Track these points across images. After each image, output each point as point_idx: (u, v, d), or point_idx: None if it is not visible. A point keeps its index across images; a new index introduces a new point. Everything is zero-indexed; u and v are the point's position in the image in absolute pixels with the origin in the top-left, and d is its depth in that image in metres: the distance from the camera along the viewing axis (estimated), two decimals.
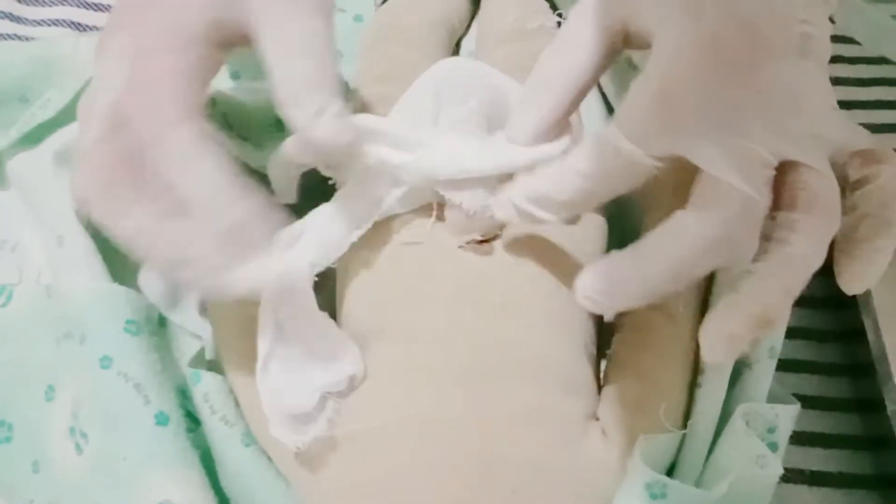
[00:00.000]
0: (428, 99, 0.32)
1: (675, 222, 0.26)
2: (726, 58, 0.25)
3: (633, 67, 0.40)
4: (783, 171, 0.26)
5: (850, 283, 0.29)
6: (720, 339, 0.26)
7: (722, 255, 0.26)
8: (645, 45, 0.28)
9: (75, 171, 0.27)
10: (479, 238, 0.31)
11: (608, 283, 0.26)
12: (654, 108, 0.26)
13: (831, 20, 0.49)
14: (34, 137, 0.38)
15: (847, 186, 0.28)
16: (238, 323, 0.32)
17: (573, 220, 0.30)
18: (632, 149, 0.26)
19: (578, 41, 0.28)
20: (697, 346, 0.31)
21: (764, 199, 0.25)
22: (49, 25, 0.47)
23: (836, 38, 0.48)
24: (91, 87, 0.29)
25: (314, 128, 0.26)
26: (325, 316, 0.30)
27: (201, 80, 0.28)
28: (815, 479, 0.36)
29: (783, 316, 0.28)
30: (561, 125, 0.29)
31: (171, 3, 0.28)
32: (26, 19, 0.47)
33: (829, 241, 0.27)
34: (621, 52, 0.29)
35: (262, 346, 0.29)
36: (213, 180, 0.27)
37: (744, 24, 0.26)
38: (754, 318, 0.26)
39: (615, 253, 0.27)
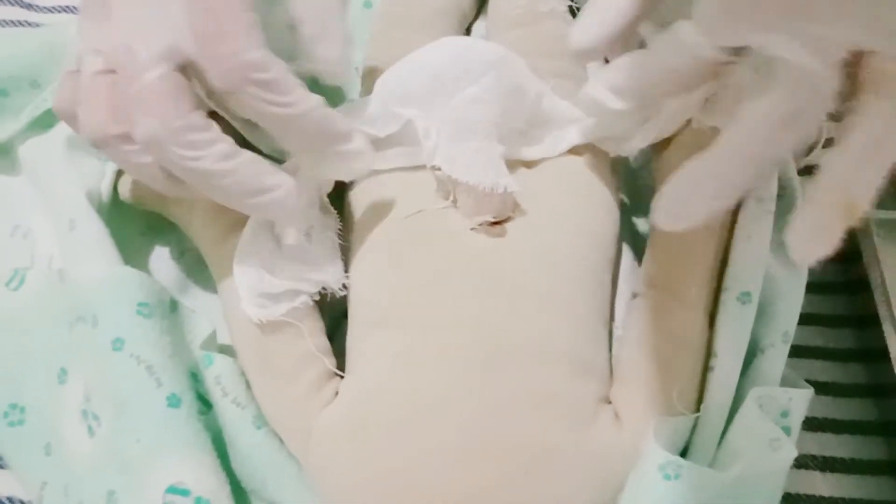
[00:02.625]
0: (427, 78, 0.32)
1: (744, 110, 0.25)
2: None
3: None
4: (856, 60, 0.25)
5: None
6: (809, 232, 0.25)
7: (793, 132, 0.25)
8: None
9: (139, 113, 0.27)
10: (492, 220, 0.31)
11: (685, 189, 0.26)
12: (724, 2, 0.26)
13: None
14: (45, 123, 0.38)
15: None
16: (222, 225, 0.33)
17: (648, 109, 0.31)
18: (696, 41, 0.26)
19: None
20: (710, 330, 0.31)
21: (832, 78, 0.25)
22: (59, 12, 0.47)
23: None
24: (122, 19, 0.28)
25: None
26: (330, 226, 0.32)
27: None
28: (827, 464, 0.35)
29: (867, 202, 0.26)
30: (625, 39, 0.29)
31: None
32: (37, 6, 0.47)
33: None
34: None
35: (248, 232, 0.31)
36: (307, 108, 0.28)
37: None
38: (839, 206, 0.25)
39: (684, 166, 0.26)
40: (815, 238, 0.25)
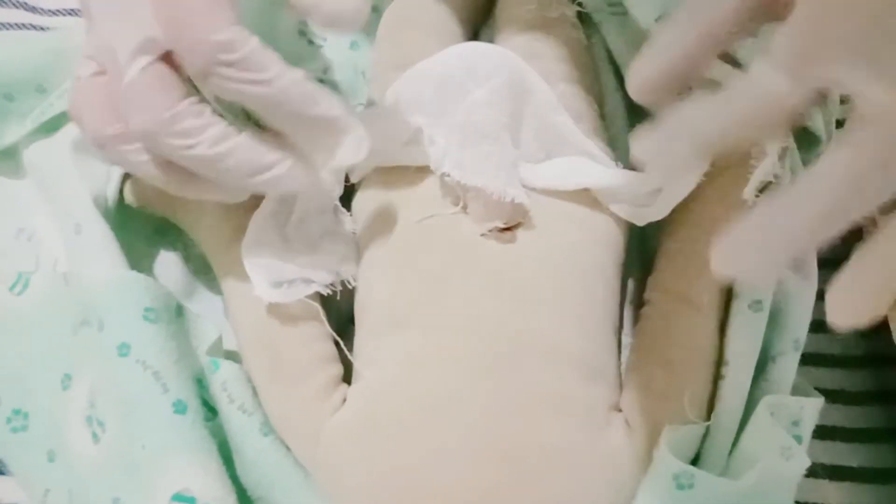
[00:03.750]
0: (438, 84, 0.32)
1: (823, 158, 0.23)
2: None
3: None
4: None
5: None
6: (850, 308, 0.23)
7: (879, 186, 0.23)
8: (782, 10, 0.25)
9: (129, 110, 0.27)
10: (502, 225, 0.31)
11: (749, 254, 0.23)
12: (804, 35, 0.23)
13: None
14: (51, 127, 0.38)
15: None
16: (228, 229, 0.33)
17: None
18: (779, 81, 0.23)
19: None
20: (721, 337, 0.31)
21: None
22: (64, 14, 0.47)
23: None
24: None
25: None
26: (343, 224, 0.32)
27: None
28: (837, 473, 0.35)
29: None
30: (680, 83, 0.26)
31: None
32: (41, 9, 0.47)
33: None
34: (760, 16, 0.26)
35: (253, 227, 0.31)
36: (287, 83, 0.27)
37: None
38: (885, 286, 0.23)
39: (758, 206, 0.24)
40: (855, 315, 0.23)
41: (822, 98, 0.24)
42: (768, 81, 0.24)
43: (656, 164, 0.26)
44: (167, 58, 0.27)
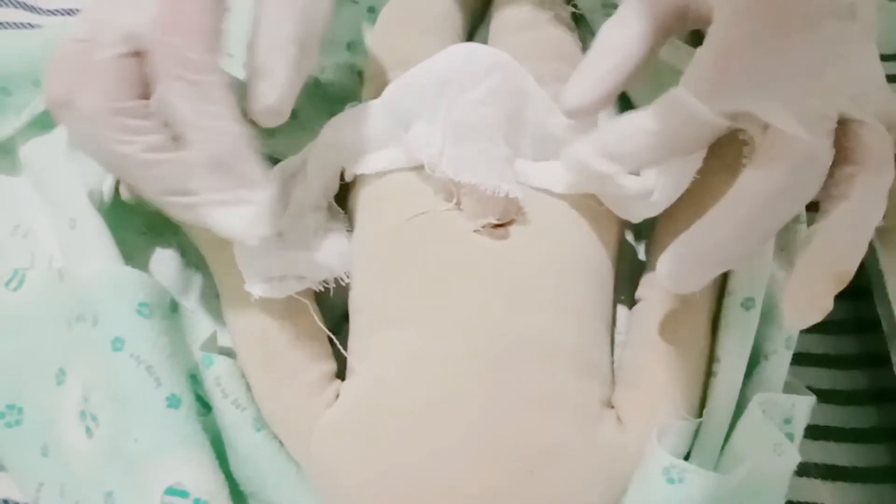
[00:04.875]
0: (435, 85, 0.32)
1: (741, 181, 0.26)
2: (782, 17, 0.27)
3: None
4: (840, 129, 0.27)
5: None
6: (804, 302, 0.26)
7: (789, 206, 0.26)
8: (703, 22, 0.29)
9: (85, 86, 0.28)
10: (495, 221, 0.31)
11: (687, 258, 0.27)
12: (716, 68, 0.27)
13: None
14: (47, 123, 0.38)
15: None
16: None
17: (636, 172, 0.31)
18: (698, 106, 0.27)
19: (635, 17, 0.30)
20: (712, 334, 0.31)
21: (826, 149, 0.26)
22: (62, 14, 0.47)
23: None
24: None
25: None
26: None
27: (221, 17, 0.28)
28: (830, 473, 0.35)
29: (855, 267, 0.27)
30: (607, 101, 0.30)
31: None
32: (39, 8, 0.47)
33: (886, 194, 0.27)
34: (675, 30, 0.31)
35: None
36: (225, 126, 0.27)
37: None
38: (831, 276, 0.26)
39: (687, 231, 0.27)
40: (808, 306, 0.27)
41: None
42: (688, 105, 0.27)
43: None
44: (141, 58, 0.28)
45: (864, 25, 0.28)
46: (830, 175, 0.27)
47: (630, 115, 0.29)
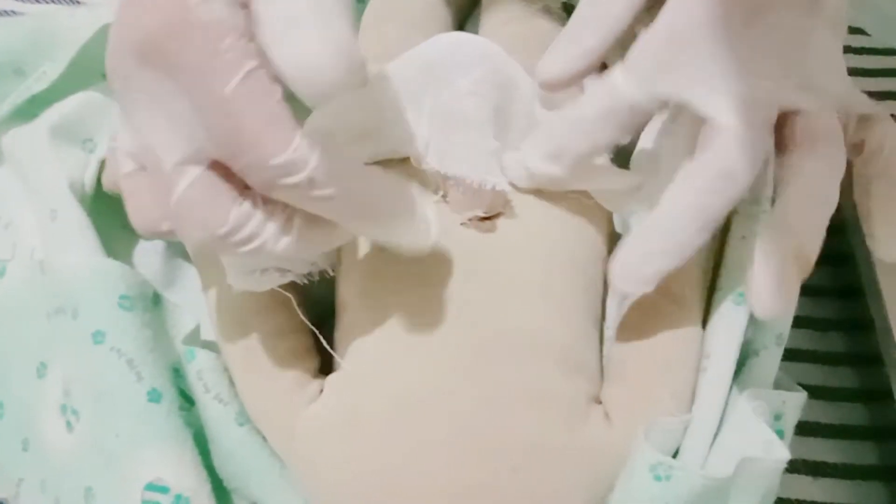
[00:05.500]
0: (421, 74, 0.32)
1: (680, 173, 0.27)
2: (742, 4, 0.26)
3: None
4: (787, 118, 0.27)
5: (881, 248, 0.31)
6: (769, 290, 0.26)
7: (727, 193, 0.26)
8: None
9: (182, 226, 0.25)
10: (482, 214, 0.30)
11: (636, 253, 0.27)
12: (657, 50, 0.27)
13: None
14: (29, 112, 0.37)
15: (849, 149, 0.29)
16: None
17: (585, 172, 0.30)
18: (633, 90, 0.27)
19: None
20: (702, 330, 0.31)
21: (765, 138, 0.26)
22: (47, 2, 0.46)
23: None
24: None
25: None
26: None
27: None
28: (818, 469, 0.35)
29: (816, 251, 0.28)
30: (584, 74, 0.29)
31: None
32: None
33: (838, 179, 0.28)
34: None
35: None
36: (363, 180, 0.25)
37: None
38: (794, 259, 0.26)
39: (632, 234, 0.28)
40: (774, 292, 0.27)
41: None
42: (621, 89, 0.27)
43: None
44: (215, 162, 0.24)
45: (831, 20, 0.28)
46: (780, 164, 0.27)
47: (566, 111, 0.29)
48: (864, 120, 0.30)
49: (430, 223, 0.27)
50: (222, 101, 0.22)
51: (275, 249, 0.25)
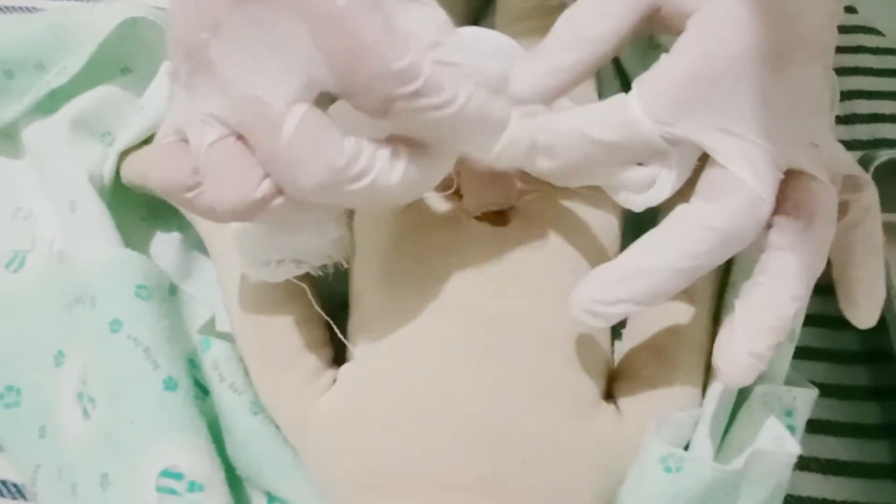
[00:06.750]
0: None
1: (677, 215, 0.25)
2: (764, 48, 0.25)
3: (654, 47, 0.39)
4: (789, 178, 0.26)
5: (861, 316, 0.30)
6: (740, 360, 0.25)
7: (724, 250, 0.25)
8: (672, 29, 0.27)
9: (295, 168, 0.24)
10: (494, 208, 0.31)
11: (607, 291, 0.26)
12: (681, 88, 0.25)
13: (854, 9, 0.48)
14: (49, 106, 0.38)
15: None
16: None
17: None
18: (650, 127, 0.25)
19: (608, 9, 0.27)
20: (715, 325, 0.31)
21: (770, 200, 0.25)
22: None
23: (859, 28, 0.47)
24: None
25: None
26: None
27: None
28: (830, 467, 0.35)
29: (797, 322, 0.28)
30: (565, 90, 0.27)
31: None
32: None
33: (828, 248, 0.26)
34: (644, 31, 0.28)
35: None
36: None
37: (786, 16, 0.25)
38: (770, 330, 0.25)
39: (609, 262, 0.26)
40: (748, 364, 0.25)
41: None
42: (641, 125, 0.25)
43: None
44: (318, 98, 0.24)
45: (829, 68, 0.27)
46: (770, 224, 0.26)
47: (578, 116, 0.27)
48: (849, 182, 0.28)
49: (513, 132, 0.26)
50: (338, 16, 0.22)
51: (388, 182, 0.24)
